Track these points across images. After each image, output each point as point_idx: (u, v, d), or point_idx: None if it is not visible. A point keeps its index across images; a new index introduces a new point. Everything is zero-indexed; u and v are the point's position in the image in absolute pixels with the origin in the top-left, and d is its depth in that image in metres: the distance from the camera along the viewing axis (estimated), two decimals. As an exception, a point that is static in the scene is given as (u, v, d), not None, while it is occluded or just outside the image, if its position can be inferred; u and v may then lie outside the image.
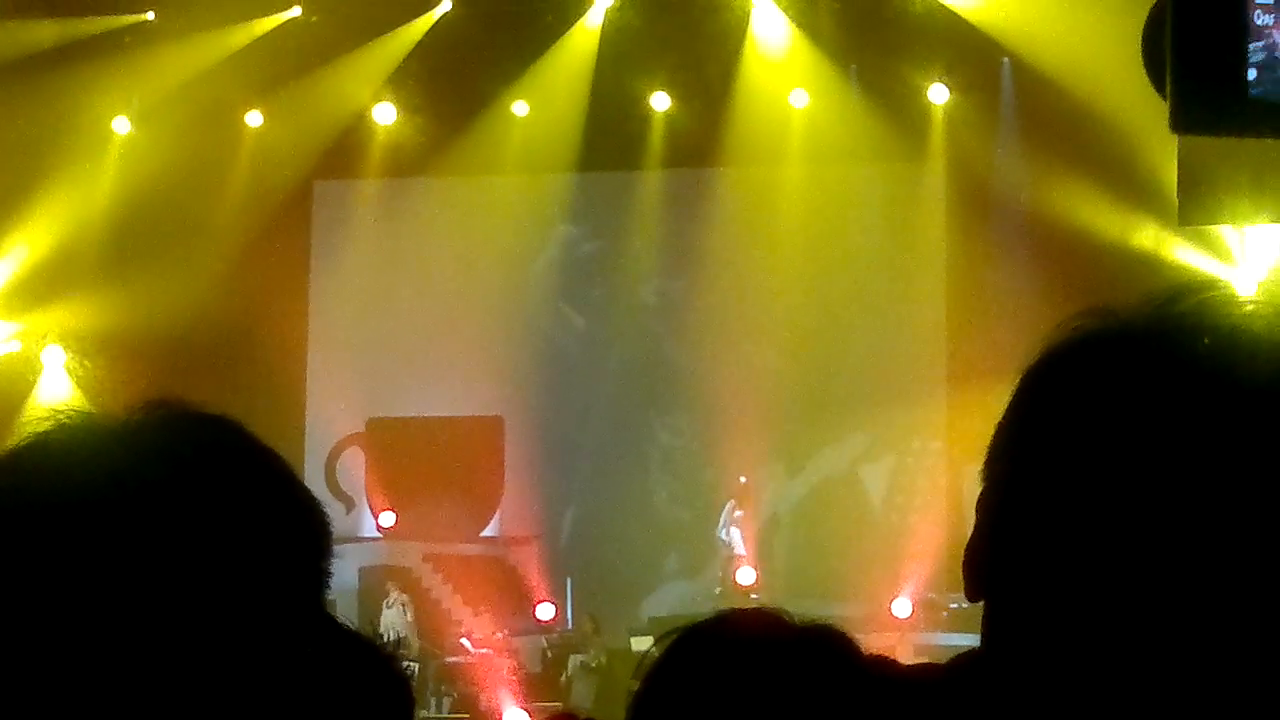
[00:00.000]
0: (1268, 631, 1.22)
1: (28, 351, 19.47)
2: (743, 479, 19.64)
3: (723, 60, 19.40)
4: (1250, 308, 1.30)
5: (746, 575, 19.13)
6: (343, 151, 20.44)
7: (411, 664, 17.01)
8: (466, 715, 18.77)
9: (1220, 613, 1.23)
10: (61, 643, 1.39)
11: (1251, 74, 2.03)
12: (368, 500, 20.98)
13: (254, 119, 20.18)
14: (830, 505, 20.24)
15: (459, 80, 19.83)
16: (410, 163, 20.42)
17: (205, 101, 19.24)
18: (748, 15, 19.20)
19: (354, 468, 21.10)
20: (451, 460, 20.86)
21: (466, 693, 18.83)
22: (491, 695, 18.58)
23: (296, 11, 19.26)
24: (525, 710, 18.18)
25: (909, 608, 18.39)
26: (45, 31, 18.71)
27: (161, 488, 1.43)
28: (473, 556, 20.56)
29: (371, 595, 19.20)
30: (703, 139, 19.74)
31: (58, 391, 18.88)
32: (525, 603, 20.01)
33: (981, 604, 1.36)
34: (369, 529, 20.79)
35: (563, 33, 19.58)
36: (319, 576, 1.51)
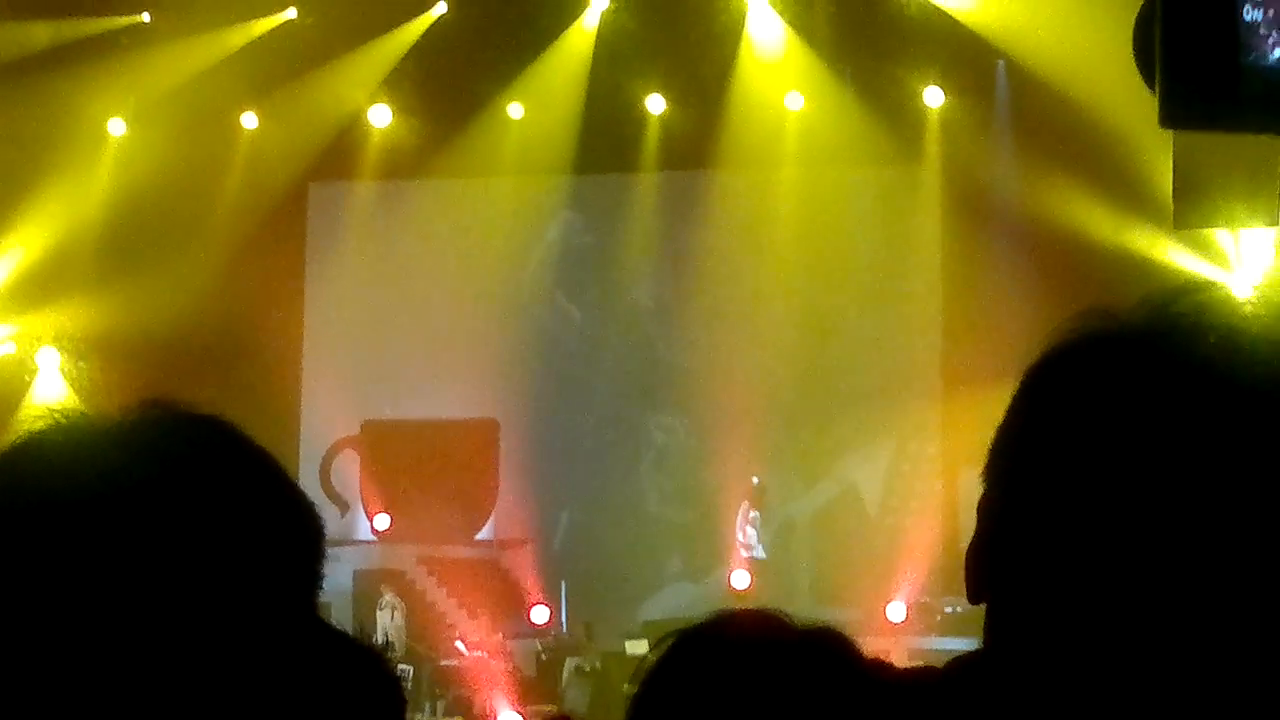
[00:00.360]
0: (1269, 632, 1.22)
1: (22, 353, 19.46)
2: (755, 479, 19.56)
3: (718, 63, 19.40)
4: (1249, 309, 1.30)
5: (741, 579, 19.11)
6: (338, 153, 20.43)
7: (406, 667, 17.00)
8: (461, 719, 18.75)
9: (1222, 613, 1.22)
10: (54, 642, 1.39)
11: (1241, 68, 2.02)
12: (362, 503, 20.96)
13: (249, 121, 20.18)
14: (824, 508, 20.22)
15: (454, 82, 19.83)
16: (406, 165, 20.41)
17: (200, 103, 19.23)
18: (743, 18, 19.20)
19: (349, 470, 21.08)
20: (446, 463, 20.85)
21: (461, 696, 18.80)
22: (486, 699, 18.56)
23: (292, 13, 19.27)
24: (520, 714, 18.17)
25: (903, 611, 18.36)
26: (40, 32, 18.70)
27: (154, 487, 1.43)
28: (467, 560, 20.54)
29: (366, 598, 19.19)
30: (698, 141, 19.74)
31: (52, 393, 18.86)
32: (520, 606, 19.99)
33: (980, 607, 1.36)
34: (364, 532, 20.77)
35: (558, 35, 19.59)
36: (311, 578, 1.51)
